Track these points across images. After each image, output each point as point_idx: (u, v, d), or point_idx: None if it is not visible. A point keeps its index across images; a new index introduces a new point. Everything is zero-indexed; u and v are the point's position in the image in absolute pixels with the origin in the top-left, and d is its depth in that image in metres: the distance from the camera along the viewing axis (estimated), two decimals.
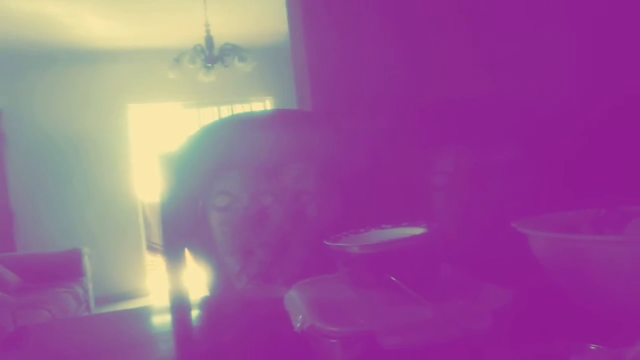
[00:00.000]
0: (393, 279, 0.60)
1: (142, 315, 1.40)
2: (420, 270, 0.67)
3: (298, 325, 0.65)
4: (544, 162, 1.41)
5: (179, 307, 1.26)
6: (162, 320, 1.23)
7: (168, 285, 1.32)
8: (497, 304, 0.60)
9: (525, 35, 1.92)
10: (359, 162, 1.52)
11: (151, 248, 6.21)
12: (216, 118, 6.26)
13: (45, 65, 5.28)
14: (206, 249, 1.38)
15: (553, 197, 1.32)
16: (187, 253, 1.39)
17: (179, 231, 1.36)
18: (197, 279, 1.42)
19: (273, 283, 1.37)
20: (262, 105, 6.16)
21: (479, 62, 1.90)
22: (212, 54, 4.17)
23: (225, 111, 6.34)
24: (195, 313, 1.24)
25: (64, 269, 4.07)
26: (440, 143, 1.53)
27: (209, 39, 4.13)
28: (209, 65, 4.18)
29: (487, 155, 1.45)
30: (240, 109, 6.26)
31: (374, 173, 1.51)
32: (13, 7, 4.02)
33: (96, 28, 4.68)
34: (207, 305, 1.27)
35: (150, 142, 6.53)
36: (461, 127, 1.52)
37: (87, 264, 4.22)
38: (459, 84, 1.84)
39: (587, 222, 0.92)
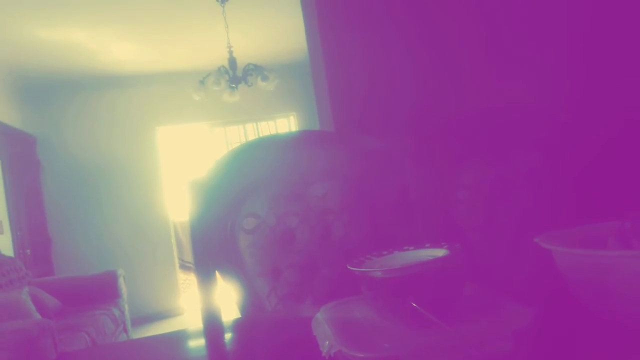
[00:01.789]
0: (414, 304, 0.62)
1: (177, 339, 1.44)
2: (442, 292, 0.69)
3: (325, 350, 0.68)
4: (567, 174, 1.40)
5: (212, 330, 1.29)
6: (197, 343, 1.26)
7: (201, 308, 1.35)
8: (518, 324, 0.61)
9: (539, 45, 1.92)
10: (384, 181, 1.54)
11: (184, 267, 6.31)
12: (242, 136, 6.36)
13: (75, 92, 5.47)
14: (236, 271, 1.41)
15: (577, 210, 1.31)
16: (218, 275, 1.42)
17: (210, 254, 1.40)
18: (229, 300, 1.45)
19: (303, 302, 1.39)
20: (287, 121, 6.23)
21: (497, 75, 1.91)
22: (236, 75, 4.26)
23: (251, 129, 6.43)
24: (228, 335, 1.27)
25: (101, 291, 4.17)
26: (462, 158, 1.53)
27: (232, 60, 4.22)
28: (233, 85, 4.27)
29: (509, 169, 1.45)
30: (265, 125, 6.34)
31: (397, 191, 1.52)
32: (41, 38, 4.19)
33: (121, 53, 4.84)
34: (239, 327, 1.30)
35: (180, 162, 6.66)
36: (482, 141, 1.53)
37: (123, 285, 4.32)
38: (480, 98, 1.85)
39: (613, 235, 0.92)
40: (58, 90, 5.40)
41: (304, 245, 1.42)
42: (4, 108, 4.69)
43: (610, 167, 1.42)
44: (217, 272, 1.41)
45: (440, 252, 0.74)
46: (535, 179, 1.46)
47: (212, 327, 1.30)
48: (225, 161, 1.49)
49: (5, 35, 4.06)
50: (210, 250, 1.40)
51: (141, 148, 5.64)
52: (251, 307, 1.38)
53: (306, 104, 5.70)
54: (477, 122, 1.60)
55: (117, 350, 1.46)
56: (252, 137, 6.31)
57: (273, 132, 6.04)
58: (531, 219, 1.35)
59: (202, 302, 1.34)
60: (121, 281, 4.31)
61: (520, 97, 1.82)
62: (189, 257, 6.53)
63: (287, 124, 6.22)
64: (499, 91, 1.82)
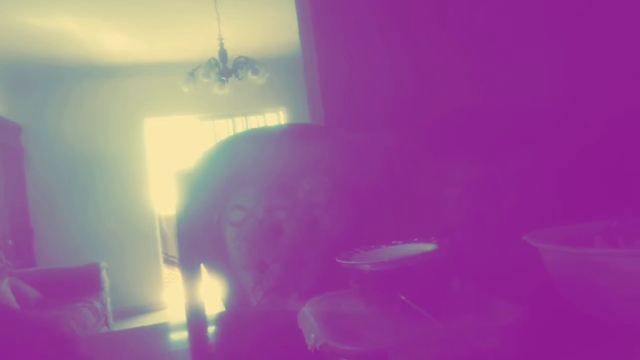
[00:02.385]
0: (403, 297, 0.61)
1: (159, 331, 1.42)
2: (430, 287, 0.68)
3: (311, 343, 0.67)
4: (554, 173, 1.41)
5: (196, 322, 1.28)
6: (179, 336, 1.25)
7: (184, 300, 1.34)
8: (506, 320, 0.60)
9: (526, 45, 1.93)
10: (372, 176, 1.53)
11: (168, 261, 6.26)
12: (231, 130, 6.32)
13: (63, 81, 5.39)
14: (221, 264, 1.39)
15: (564, 209, 1.32)
16: (203, 268, 1.41)
17: (195, 246, 1.38)
18: (213, 294, 1.44)
19: (288, 296, 1.38)
20: (276, 115, 6.20)
21: (482, 72, 1.91)
22: (226, 68, 4.23)
23: (240, 122, 6.39)
24: (211, 328, 1.25)
25: (83, 283, 4.12)
26: (450, 155, 1.53)
27: (223, 53, 4.18)
28: (223, 78, 4.24)
29: (498, 167, 1.45)
30: (255, 120, 6.31)
31: (386, 186, 1.52)
32: (30, 25, 4.13)
33: (112, 43, 4.78)
34: (223, 320, 1.28)
35: (167, 155, 6.60)
36: (471, 139, 1.53)
37: (106, 278, 4.27)
38: (469, 95, 1.85)
39: (600, 233, 0.92)
40: (45, 78, 5.33)
41: (291, 239, 1.41)
42: None
43: (597, 166, 1.43)
44: (202, 264, 1.40)
45: (428, 247, 0.74)
46: (523, 177, 1.46)
47: (196, 319, 1.29)
48: (213, 153, 1.47)
49: None
50: (196, 242, 1.38)
51: (128, 139, 5.58)
52: (236, 300, 1.36)
53: (296, 99, 5.68)
54: (464, 121, 1.60)
55: (98, 341, 1.44)
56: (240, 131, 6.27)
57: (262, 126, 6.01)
58: (518, 217, 1.35)
59: (186, 294, 1.33)
60: (104, 274, 4.26)
61: (507, 96, 1.83)
62: (173, 251, 6.48)
63: (276, 118, 6.19)
64: (487, 90, 1.83)
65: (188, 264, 1.36)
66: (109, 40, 4.69)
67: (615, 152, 1.52)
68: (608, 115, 1.66)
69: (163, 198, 6.32)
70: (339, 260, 0.74)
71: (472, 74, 1.91)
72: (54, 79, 5.36)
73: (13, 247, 4.63)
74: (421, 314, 0.58)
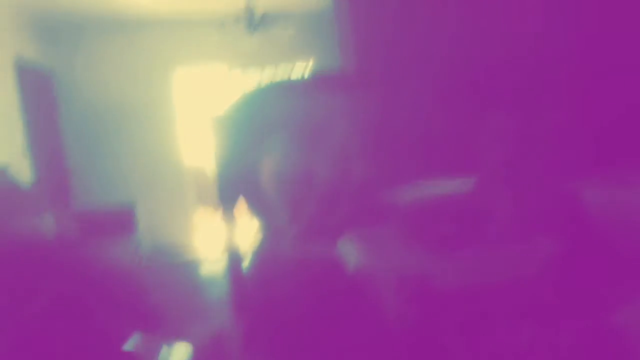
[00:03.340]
0: (444, 225, 0.63)
1: (194, 266, 1.48)
2: (469, 220, 0.70)
3: (354, 267, 0.70)
4: (590, 125, 1.39)
5: (233, 254, 1.33)
6: (215, 268, 1.30)
7: (222, 232, 1.39)
8: (547, 250, 0.62)
9: None
10: (406, 123, 1.53)
11: (200, 205, 6.40)
12: (261, 79, 6.29)
13: (94, 32, 5.41)
14: (258, 202, 1.44)
15: (601, 162, 1.30)
16: (240, 205, 1.46)
17: (233, 183, 1.43)
18: (250, 230, 1.49)
19: (320, 235, 1.42)
20: (306, 66, 6.14)
21: (528, 25, 1.85)
22: (255, 20, 4.18)
23: (269, 72, 6.34)
24: (247, 261, 1.31)
25: (118, 222, 4.26)
26: (486, 104, 1.52)
27: (252, 3, 4.13)
28: (252, 29, 4.20)
29: (533, 117, 1.44)
30: (284, 70, 6.25)
31: (421, 133, 1.52)
32: None
33: None
34: (259, 254, 1.33)
35: (198, 105, 6.63)
36: (507, 90, 1.51)
37: (140, 218, 4.40)
38: (509, 49, 1.80)
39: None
40: (77, 29, 5.35)
41: (324, 181, 1.44)
42: (21, 44, 4.67)
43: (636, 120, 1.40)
44: (240, 200, 1.45)
45: (469, 182, 0.75)
46: (558, 129, 1.44)
47: (233, 249, 1.34)
48: (249, 98, 1.50)
49: None
50: (235, 182, 1.43)
51: (159, 89, 5.62)
52: (272, 236, 1.41)
53: (325, 51, 5.60)
54: (500, 72, 1.58)
55: (139, 273, 1.52)
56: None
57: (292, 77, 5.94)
58: (553, 167, 1.35)
59: (224, 226, 1.38)
60: (138, 214, 4.39)
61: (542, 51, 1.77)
62: (205, 197, 6.61)
63: (305, 70, 6.12)
64: (522, 43, 1.77)
65: (227, 199, 1.41)
66: None
67: None
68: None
69: (193, 147, 6.40)
70: (380, 194, 0.76)
71: (508, 24, 1.85)
72: (84, 29, 5.39)
73: (51, 186, 4.80)
74: (462, 241, 0.60)
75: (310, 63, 6.03)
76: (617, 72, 1.55)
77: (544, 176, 1.39)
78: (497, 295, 0.59)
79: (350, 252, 0.74)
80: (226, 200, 1.43)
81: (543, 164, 1.43)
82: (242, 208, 1.45)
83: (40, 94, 5.01)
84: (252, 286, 1.07)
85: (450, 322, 0.55)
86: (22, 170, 4.23)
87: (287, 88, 1.58)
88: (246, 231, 1.51)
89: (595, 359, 0.41)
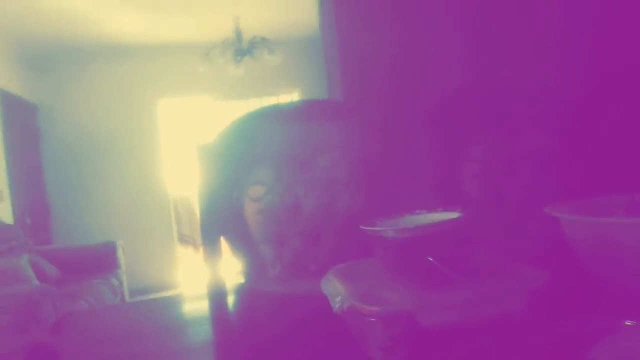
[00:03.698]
0: (430, 259, 0.62)
1: (176, 302, 1.44)
2: (455, 254, 0.69)
3: (337, 306, 0.68)
4: (576, 147, 1.40)
5: (216, 291, 1.30)
6: (196, 307, 1.27)
7: (205, 271, 1.36)
8: (533, 284, 0.61)
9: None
10: (389, 153, 1.54)
11: (182, 240, 6.33)
12: (245, 111, 6.32)
13: (78, 62, 5.42)
14: (241, 237, 1.42)
15: (586, 184, 1.31)
16: (223, 241, 1.43)
17: (216, 219, 1.41)
18: (233, 268, 1.46)
19: (306, 270, 1.40)
20: (291, 97, 6.19)
21: (507, 50, 1.89)
22: (242, 47, 4.23)
23: (254, 104, 6.39)
24: (231, 299, 1.28)
25: (100, 261, 4.19)
26: (470, 132, 1.53)
27: (239, 32, 4.18)
28: (239, 58, 4.24)
29: (519, 143, 1.45)
30: (269, 101, 6.30)
31: (406, 164, 1.52)
32: (45, 5, 4.14)
33: (126, 23, 4.78)
34: (243, 291, 1.31)
35: (181, 136, 6.63)
36: (492, 115, 1.53)
37: (122, 256, 4.34)
38: (490, 72, 1.84)
39: (621, 207, 0.92)
40: (61, 59, 5.36)
41: (309, 215, 1.43)
42: (5, 75, 4.65)
43: (618, 142, 1.42)
44: (222, 238, 1.42)
45: (453, 215, 0.74)
46: (541, 154, 1.46)
47: (216, 287, 1.31)
48: (235, 128, 1.49)
49: (9, 2, 4.01)
50: (217, 215, 1.41)
51: (143, 119, 5.61)
52: (255, 273, 1.38)
53: (311, 81, 5.66)
54: (480, 97, 1.60)
55: (116, 311, 1.48)
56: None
57: None
58: (536, 194, 1.35)
59: (207, 264, 1.35)
60: (120, 252, 4.32)
61: (532, 75, 1.81)
62: (187, 230, 6.55)
63: (291, 100, 6.18)
64: (510, 66, 1.81)
65: (209, 235, 1.38)
66: (123, 19, 4.70)
67: (637, 127, 1.51)
68: (628, 89, 1.64)
69: (177, 179, 6.37)
70: (364, 228, 0.75)
71: (486, 52, 1.89)
72: (69, 60, 5.39)
73: (31, 225, 4.71)
74: (448, 275, 0.59)
75: (297, 92, 6.09)
76: (603, 99, 1.58)
77: (528, 199, 1.40)
78: (486, 330, 0.58)
79: (334, 288, 0.72)
80: (209, 235, 1.40)
81: (527, 186, 1.44)
82: (224, 244, 1.43)
83: (23, 125, 4.96)
84: (236, 323, 1.04)
85: (438, 358, 0.53)
86: (2, 209, 4.15)
87: (273, 116, 1.58)
88: (229, 268, 1.49)
89: None
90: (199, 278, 5.42)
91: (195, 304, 1.30)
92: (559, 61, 1.82)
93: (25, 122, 5.01)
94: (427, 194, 1.44)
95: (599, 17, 1.88)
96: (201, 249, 1.46)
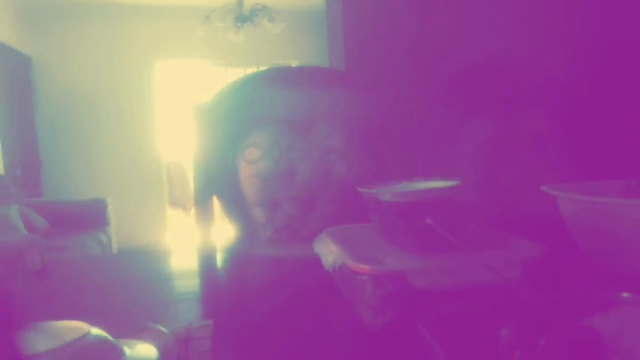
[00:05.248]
0: (429, 221, 0.62)
1: (165, 256, 1.44)
2: (451, 221, 0.69)
3: (329, 264, 0.68)
4: (574, 131, 1.40)
5: (206, 250, 1.30)
6: (185, 262, 1.26)
7: (196, 231, 1.36)
8: (528, 255, 0.61)
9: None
10: (390, 125, 1.53)
11: (173, 203, 6.33)
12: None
13: (76, 16, 5.31)
14: (235, 199, 1.41)
15: (584, 167, 1.31)
16: (215, 203, 1.43)
17: (210, 179, 1.40)
18: (224, 230, 1.46)
19: (298, 235, 1.40)
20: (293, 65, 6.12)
21: (509, 29, 1.87)
22: (242, 14, 4.15)
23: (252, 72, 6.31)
24: (220, 259, 1.28)
25: (89, 217, 4.18)
26: (469, 111, 1.52)
27: None
28: (239, 24, 4.17)
29: (513, 124, 1.44)
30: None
31: (403, 138, 1.52)
32: None
33: None
34: (233, 252, 1.31)
35: (177, 100, 6.56)
36: (491, 95, 1.52)
37: (111, 213, 4.33)
38: (491, 50, 1.82)
39: (617, 191, 0.93)
40: (59, 11, 5.24)
41: (304, 181, 1.42)
42: (0, 26, 4.55)
43: (617, 126, 1.42)
44: (215, 198, 1.41)
45: (451, 183, 0.74)
46: (538, 136, 1.45)
47: (206, 249, 1.31)
48: (233, 88, 1.47)
49: None
50: (211, 175, 1.40)
51: (139, 81, 5.53)
52: (246, 236, 1.38)
53: (311, 52, 5.60)
54: (481, 76, 1.58)
55: (105, 262, 1.47)
56: None
57: None
58: (532, 174, 1.36)
59: (198, 223, 1.35)
60: (110, 209, 4.31)
61: (526, 51, 1.80)
62: (179, 193, 6.54)
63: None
64: (506, 44, 1.79)
65: (202, 196, 1.38)
66: None
67: (635, 112, 1.51)
68: (627, 74, 1.63)
69: (171, 143, 6.33)
70: (361, 190, 0.75)
71: (491, 29, 1.87)
72: (67, 14, 5.28)
73: (21, 177, 4.68)
74: (445, 239, 0.59)
75: (297, 63, 6.02)
76: (600, 78, 1.57)
77: (524, 179, 1.40)
78: (476, 295, 0.58)
79: (327, 247, 0.72)
80: (202, 194, 1.40)
81: (523, 167, 1.44)
82: (217, 206, 1.42)
83: (16, 77, 4.88)
84: (224, 280, 1.04)
85: (428, 320, 0.54)
86: None
87: (274, 80, 1.55)
88: (221, 230, 1.49)
89: (571, 356, 0.40)
90: (189, 240, 5.43)
91: (183, 260, 1.29)
92: (563, 45, 1.80)
93: (18, 74, 4.93)
94: (424, 169, 1.43)
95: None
96: (193, 210, 1.45)
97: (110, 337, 0.55)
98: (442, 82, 1.62)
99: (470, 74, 1.60)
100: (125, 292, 0.91)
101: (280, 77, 1.54)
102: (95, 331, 0.55)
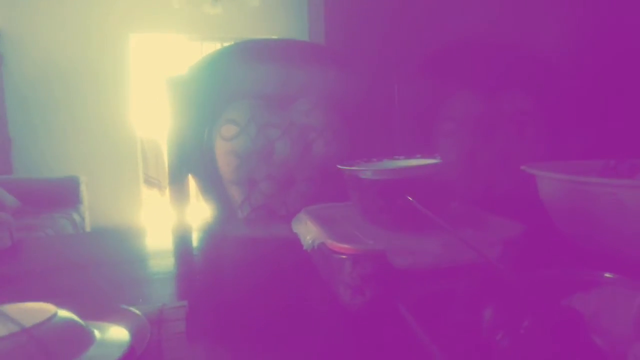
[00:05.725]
0: (410, 199, 0.61)
1: (138, 235, 1.41)
2: (432, 199, 0.68)
3: (307, 243, 0.66)
4: (554, 111, 1.40)
5: (181, 230, 1.28)
6: (159, 241, 1.23)
7: (171, 210, 1.33)
8: (508, 234, 0.60)
9: None
10: (369, 103, 1.51)
11: (148, 182, 6.23)
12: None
13: None
14: (210, 177, 1.38)
15: (563, 147, 1.32)
16: (190, 182, 1.40)
17: (185, 156, 1.36)
18: (199, 209, 1.43)
19: (276, 215, 1.38)
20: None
21: (493, 6, 1.86)
22: None
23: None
24: (196, 239, 1.25)
25: (61, 195, 4.09)
26: (450, 89, 1.51)
27: None
28: None
29: (494, 105, 1.43)
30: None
31: (382, 114, 1.50)
32: None
33: None
34: (209, 232, 1.28)
35: (152, 76, 6.42)
36: (472, 73, 1.50)
37: (84, 192, 4.24)
38: (472, 29, 1.81)
39: (596, 171, 0.93)
40: None
41: (282, 159, 1.40)
42: None
43: (596, 108, 1.43)
44: (190, 177, 1.38)
45: (431, 161, 0.73)
46: (519, 117, 1.45)
47: (181, 228, 1.28)
48: (208, 61, 1.42)
49: None
50: (186, 153, 1.36)
51: (113, 54, 5.38)
52: (223, 215, 1.36)
53: (291, 25, 5.51)
54: (464, 55, 1.57)
55: (77, 240, 1.44)
56: None
57: None
58: (512, 155, 1.36)
59: (173, 203, 1.32)
60: (83, 188, 4.23)
61: (510, 33, 1.79)
62: (153, 172, 6.44)
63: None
64: (492, 25, 1.78)
65: (177, 174, 1.34)
66: None
67: (616, 95, 1.52)
68: (607, 57, 1.64)
69: (145, 120, 6.21)
70: (341, 167, 0.73)
71: (473, 6, 1.86)
72: None
73: None
74: (426, 217, 0.58)
75: (276, 37, 5.93)
76: (581, 59, 1.57)
77: (505, 158, 1.41)
78: (457, 275, 0.57)
79: (305, 227, 0.70)
80: (177, 172, 1.36)
81: (504, 147, 1.44)
82: (192, 185, 1.39)
83: None
84: (199, 260, 1.02)
85: (408, 300, 0.52)
86: None
87: (251, 53, 1.50)
88: (196, 209, 1.46)
89: (554, 337, 0.39)
90: (164, 219, 5.37)
91: (158, 239, 1.27)
92: (546, 25, 1.79)
93: None
94: (405, 147, 1.42)
95: None
96: (167, 189, 1.42)
97: (78, 319, 0.53)
98: (423, 58, 1.60)
99: (452, 51, 1.58)
100: (97, 272, 0.89)
101: (254, 50, 1.50)
102: (63, 313, 0.52)
